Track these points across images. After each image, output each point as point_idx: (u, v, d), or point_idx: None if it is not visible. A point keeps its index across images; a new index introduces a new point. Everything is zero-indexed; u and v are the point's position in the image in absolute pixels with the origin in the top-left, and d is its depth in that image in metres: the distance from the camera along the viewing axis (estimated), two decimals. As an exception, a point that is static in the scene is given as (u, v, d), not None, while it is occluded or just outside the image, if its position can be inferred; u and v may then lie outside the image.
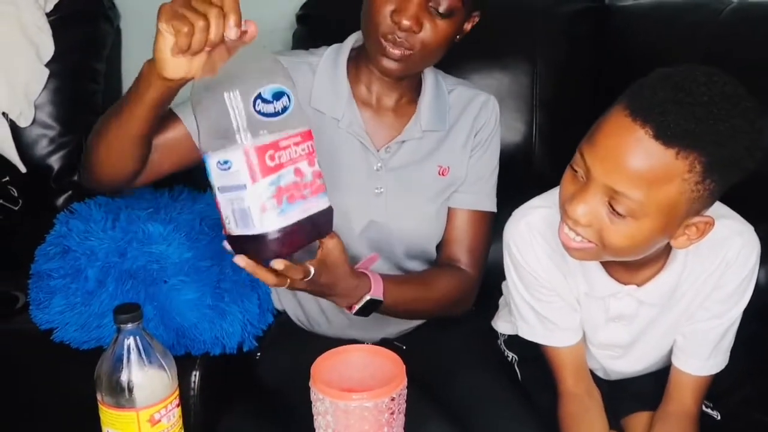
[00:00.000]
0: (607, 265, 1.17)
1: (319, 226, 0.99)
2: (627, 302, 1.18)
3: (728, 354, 1.22)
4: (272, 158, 0.91)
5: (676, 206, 0.98)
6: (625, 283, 1.17)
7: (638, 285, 1.17)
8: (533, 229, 1.20)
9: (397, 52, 1.20)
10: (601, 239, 1.02)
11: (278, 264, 1.00)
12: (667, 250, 1.14)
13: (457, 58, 1.26)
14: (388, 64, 1.22)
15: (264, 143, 0.91)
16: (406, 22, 1.17)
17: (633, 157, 0.95)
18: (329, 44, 1.35)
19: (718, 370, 1.21)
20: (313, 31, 1.79)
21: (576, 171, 1.03)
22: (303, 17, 1.82)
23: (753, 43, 1.50)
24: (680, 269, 1.15)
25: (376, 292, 1.20)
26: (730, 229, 1.14)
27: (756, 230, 1.16)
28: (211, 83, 0.92)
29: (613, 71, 1.68)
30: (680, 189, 0.96)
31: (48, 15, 1.79)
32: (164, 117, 1.19)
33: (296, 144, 0.94)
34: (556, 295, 1.22)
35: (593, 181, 1.00)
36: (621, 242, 1.02)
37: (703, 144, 0.94)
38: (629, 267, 1.15)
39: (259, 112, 0.90)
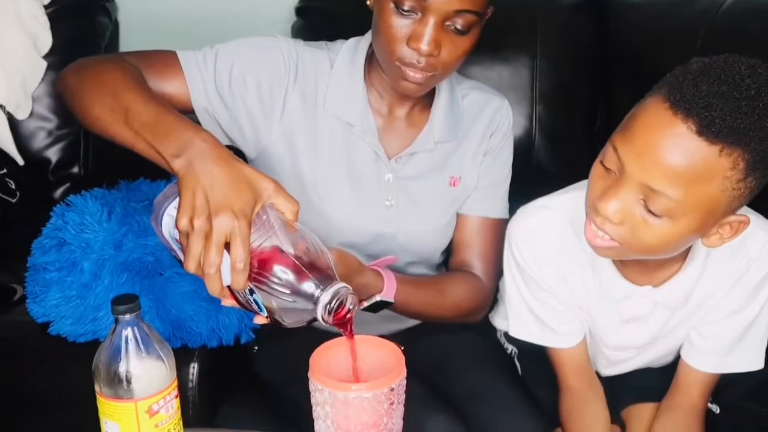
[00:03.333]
0: (620, 266, 1.12)
1: None
2: (642, 303, 1.14)
3: (760, 354, 1.18)
4: None
5: (716, 205, 0.92)
6: (640, 285, 1.12)
7: (654, 286, 1.12)
8: (536, 231, 1.17)
9: (419, 75, 1.14)
10: (631, 238, 0.96)
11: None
12: (687, 249, 1.09)
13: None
14: (410, 86, 1.17)
15: None
16: (425, 48, 1.10)
17: (673, 153, 0.89)
18: (327, 38, 1.31)
19: (744, 370, 1.18)
20: (311, 23, 1.78)
21: (607, 168, 0.97)
22: (302, 9, 1.81)
23: (752, 37, 1.49)
24: (699, 270, 1.11)
25: (388, 293, 1.17)
26: (752, 224, 1.06)
27: None
28: None
29: (612, 64, 1.68)
30: (721, 187, 0.90)
31: (46, 7, 1.78)
32: (167, 62, 1.14)
33: None
34: (554, 298, 1.19)
35: (628, 178, 0.93)
36: (654, 242, 0.96)
37: (748, 140, 0.88)
38: (647, 267, 1.10)
39: None
